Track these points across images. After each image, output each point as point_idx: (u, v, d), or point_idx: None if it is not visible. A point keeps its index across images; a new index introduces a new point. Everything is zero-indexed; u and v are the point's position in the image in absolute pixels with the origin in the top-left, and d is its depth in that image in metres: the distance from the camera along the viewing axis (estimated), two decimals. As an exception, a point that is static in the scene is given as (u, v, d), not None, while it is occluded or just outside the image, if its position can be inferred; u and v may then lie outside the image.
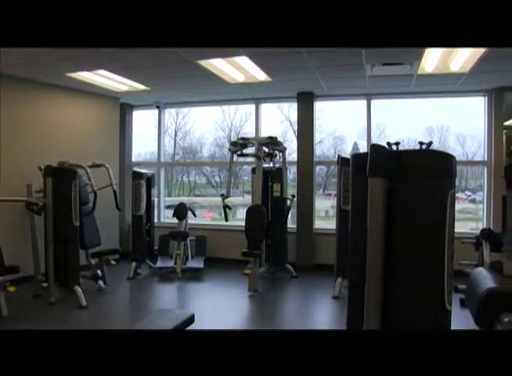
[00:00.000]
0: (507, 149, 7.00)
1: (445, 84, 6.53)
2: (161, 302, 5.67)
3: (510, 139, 7.01)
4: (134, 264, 6.62)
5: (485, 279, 2.29)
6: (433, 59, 5.20)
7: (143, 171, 7.15)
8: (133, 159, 8.58)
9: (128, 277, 6.47)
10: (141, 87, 6.71)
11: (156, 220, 7.91)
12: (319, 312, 5.40)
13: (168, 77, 6.13)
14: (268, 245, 6.79)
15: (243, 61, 5.33)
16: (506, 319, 1.93)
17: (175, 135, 9.95)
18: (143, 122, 8.90)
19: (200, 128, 9.78)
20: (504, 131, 6.88)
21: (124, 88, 6.80)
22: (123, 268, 6.66)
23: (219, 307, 5.27)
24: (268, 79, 6.18)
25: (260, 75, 5.99)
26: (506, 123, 6.95)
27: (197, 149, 10.19)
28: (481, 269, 2.68)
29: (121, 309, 5.28)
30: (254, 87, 6.70)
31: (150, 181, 7.26)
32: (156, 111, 8.42)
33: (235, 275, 6.12)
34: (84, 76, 6.02)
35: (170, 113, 9.26)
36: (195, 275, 6.69)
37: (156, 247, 7.35)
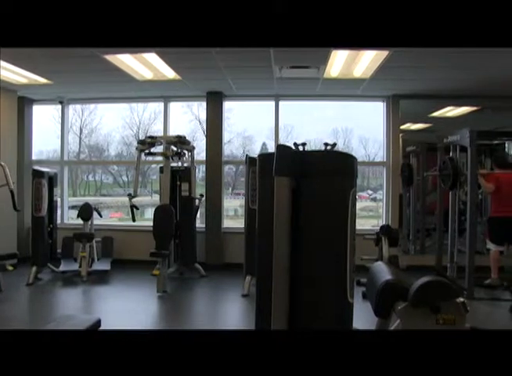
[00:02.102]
0: (403, 151, 7.54)
1: (349, 89, 6.88)
2: (65, 308, 5.38)
3: (405, 142, 7.56)
4: (34, 268, 6.21)
5: (383, 272, 2.43)
6: (337, 64, 5.45)
7: (45, 169, 6.75)
8: (34, 157, 8.05)
9: (28, 283, 6.05)
10: (42, 80, 6.31)
11: (59, 221, 7.50)
12: (229, 310, 5.44)
13: (72, 70, 5.82)
14: (177, 245, 6.72)
15: (152, 58, 5.23)
16: (399, 307, 2.07)
17: (80, 133, 9.55)
18: (45, 118, 8.40)
19: (106, 125, 9.47)
20: (401, 135, 7.39)
21: (23, 80, 6.35)
22: (22, 273, 6.22)
23: (127, 310, 5.12)
24: (178, 77, 6.11)
25: (169, 73, 5.90)
26: (402, 127, 7.47)
27: (104, 147, 9.86)
28: (379, 262, 2.84)
29: (18, 318, 4.88)
30: (163, 85, 6.60)
31: (53, 180, 6.87)
32: (59, 107, 7.98)
33: (143, 276, 6.00)
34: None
35: (75, 110, 8.86)
36: (101, 278, 6.45)
37: (59, 250, 6.97)
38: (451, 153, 6.41)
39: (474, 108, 7.57)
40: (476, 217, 6.23)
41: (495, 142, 7.36)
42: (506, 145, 7.88)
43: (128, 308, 5.20)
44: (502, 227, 5.96)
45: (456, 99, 7.26)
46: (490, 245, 6.03)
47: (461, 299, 2.05)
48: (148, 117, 9.44)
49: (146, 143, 6.17)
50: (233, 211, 9.48)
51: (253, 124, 8.65)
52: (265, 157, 2.15)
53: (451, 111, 7.74)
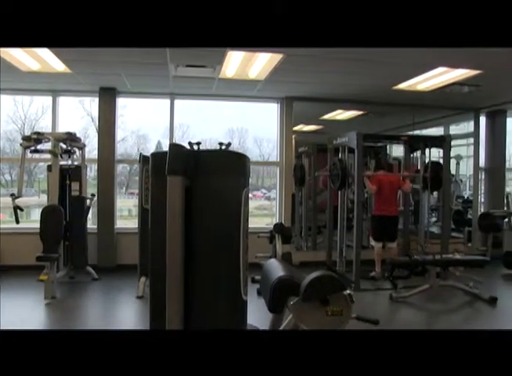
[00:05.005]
0: (296, 151, 7.83)
1: (245, 90, 6.99)
2: None
3: (298, 142, 7.87)
4: None
5: (276, 269, 2.49)
6: (233, 65, 5.51)
7: None
8: None
9: None
10: None
11: None
12: (123, 313, 5.28)
13: None
14: (67, 247, 6.36)
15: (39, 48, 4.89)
16: (291, 303, 2.14)
17: (-49, 126, 8.68)
18: None
19: (-15, 119, 8.68)
20: (293, 136, 7.67)
21: None
22: None
23: (9, 321, 4.55)
24: (68, 70, 5.79)
25: (58, 65, 5.57)
26: (295, 128, 7.77)
27: (-18, 142, 9.05)
28: (273, 260, 2.91)
29: None
30: (52, 78, 6.20)
31: None
32: None
33: (29, 282, 5.61)
34: None
35: None
36: (-22, 286, 5.90)
37: None
38: (340, 155, 6.79)
39: (361, 112, 8.10)
40: (362, 215, 6.67)
41: (379, 144, 7.93)
42: (388, 147, 8.53)
43: (9, 319, 4.67)
44: (381, 224, 6.46)
45: (345, 103, 7.70)
46: (372, 242, 6.51)
47: (348, 291, 2.17)
48: (35, 111, 8.83)
49: (32, 140, 5.79)
50: (127, 211, 9.22)
51: (148, 123, 8.47)
52: (158, 155, 2.12)
53: (340, 114, 8.21)
